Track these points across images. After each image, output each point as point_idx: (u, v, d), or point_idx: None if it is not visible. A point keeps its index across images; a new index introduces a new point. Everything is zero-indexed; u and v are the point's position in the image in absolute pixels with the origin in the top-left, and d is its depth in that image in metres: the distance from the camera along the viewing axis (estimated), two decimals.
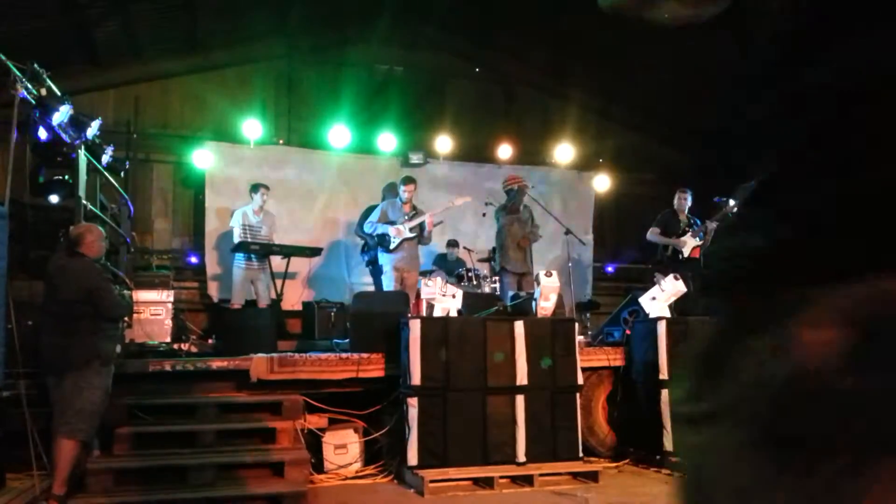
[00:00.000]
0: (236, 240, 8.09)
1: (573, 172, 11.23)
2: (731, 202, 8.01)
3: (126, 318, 5.80)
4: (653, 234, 7.99)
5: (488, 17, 10.54)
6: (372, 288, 8.69)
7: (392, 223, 7.59)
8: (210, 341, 7.25)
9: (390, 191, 8.28)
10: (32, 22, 7.76)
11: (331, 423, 5.63)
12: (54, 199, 5.65)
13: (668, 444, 5.64)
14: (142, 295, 6.58)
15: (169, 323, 6.67)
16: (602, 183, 11.36)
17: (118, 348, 4.96)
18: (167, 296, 6.76)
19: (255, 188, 8.25)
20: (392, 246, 7.52)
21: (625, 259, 11.40)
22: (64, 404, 4.33)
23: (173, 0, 8.43)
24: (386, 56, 10.78)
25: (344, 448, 5.57)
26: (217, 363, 5.47)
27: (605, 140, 11.75)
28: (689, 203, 8.03)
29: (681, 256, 7.80)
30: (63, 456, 4.31)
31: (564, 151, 11.07)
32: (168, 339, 6.54)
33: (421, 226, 7.63)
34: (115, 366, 4.73)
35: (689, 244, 7.82)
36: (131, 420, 5.02)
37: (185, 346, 6.60)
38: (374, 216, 7.68)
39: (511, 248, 7.59)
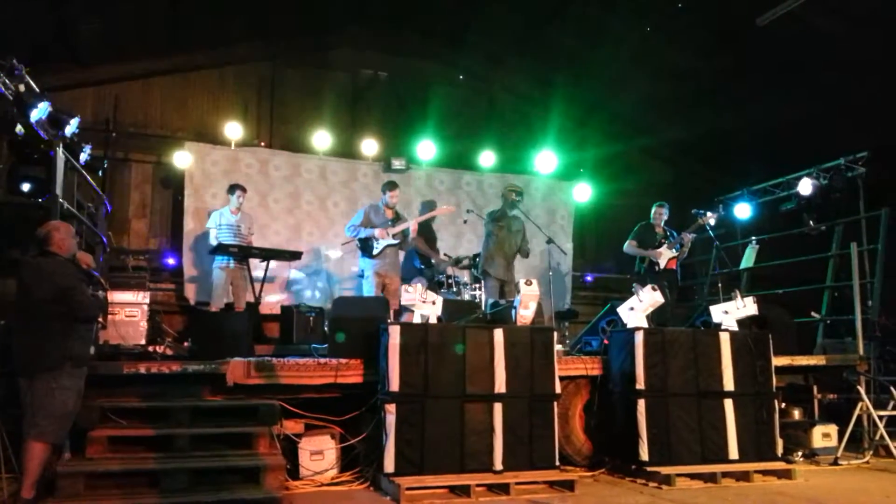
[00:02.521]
0: (212, 241, 8.03)
1: (554, 181, 11.29)
2: (709, 214, 8.13)
3: (100, 319, 5.71)
4: (629, 247, 8.10)
5: (472, 25, 10.59)
6: (349, 293, 8.69)
7: (375, 228, 7.58)
8: (186, 344, 7.15)
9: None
10: (12, 17, 7.65)
11: (307, 429, 5.58)
12: (26, 186, 5.55)
13: (644, 453, 5.68)
14: (117, 296, 6.48)
15: (144, 325, 6.57)
16: (582, 192, 11.43)
17: (91, 350, 4.88)
18: (143, 297, 6.66)
19: (231, 189, 8.22)
20: (375, 251, 7.50)
21: (604, 269, 11.48)
22: (35, 406, 4.25)
23: (156, 0, 8.37)
24: (370, 61, 10.80)
25: (320, 454, 5.52)
26: (193, 366, 5.39)
27: (585, 150, 11.84)
28: (666, 217, 8.15)
29: (657, 268, 7.89)
30: (32, 459, 4.24)
31: (546, 160, 11.12)
32: (143, 342, 6.44)
33: (404, 232, 7.62)
34: (89, 367, 4.65)
35: (666, 255, 7.92)
36: (104, 423, 4.94)
37: (160, 349, 6.51)
38: (357, 220, 7.65)
39: (497, 254, 7.62)
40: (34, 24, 7.99)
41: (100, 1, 7.97)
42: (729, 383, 6.04)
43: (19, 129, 5.53)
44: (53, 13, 7.82)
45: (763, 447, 6.04)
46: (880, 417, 6.80)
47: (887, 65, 8.20)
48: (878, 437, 6.83)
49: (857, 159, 8.76)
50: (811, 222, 9.31)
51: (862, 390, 6.85)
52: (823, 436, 6.77)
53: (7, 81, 5.27)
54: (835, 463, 6.55)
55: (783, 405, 6.75)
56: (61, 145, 5.77)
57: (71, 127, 5.93)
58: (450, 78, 11.41)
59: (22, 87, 5.38)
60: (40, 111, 5.39)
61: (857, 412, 6.78)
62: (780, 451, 6.18)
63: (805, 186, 9.26)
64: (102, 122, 9.35)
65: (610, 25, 9.61)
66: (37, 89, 5.54)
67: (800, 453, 6.69)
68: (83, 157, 6.60)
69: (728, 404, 5.99)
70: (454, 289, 8.44)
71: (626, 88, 11.05)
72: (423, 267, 8.53)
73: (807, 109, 9.47)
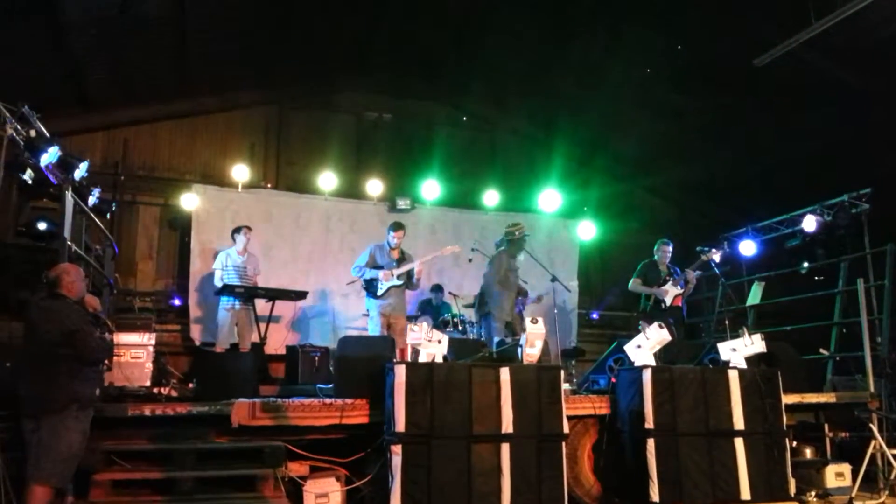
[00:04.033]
0: (218, 282, 8.05)
1: (558, 220, 11.35)
2: (714, 251, 8.14)
3: (106, 362, 5.70)
4: (634, 285, 8.09)
5: (475, 68, 10.79)
6: (355, 332, 8.65)
7: (380, 268, 7.60)
8: (191, 385, 7.12)
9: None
10: (25, 65, 7.83)
11: (312, 471, 5.51)
12: (42, 226, 5.60)
13: (655, 494, 5.57)
14: (123, 337, 6.47)
15: (149, 366, 6.55)
16: (586, 230, 11.47)
17: (97, 392, 4.87)
18: (148, 338, 6.65)
19: (237, 230, 8.28)
20: (379, 292, 7.51)
21: (607, 303, 11.45)
22: (39, 449, 4.22)
23: (165, 48, 8.55)
24: (374, 104, 10.98)
25: (325, 497, 5.44)
26: (198, 408, 5.35)
27: (589, 189, 11.93)
28: (670, 254, 8.14)
29: (663, 305, 7.87)
30: (35, 503, 4.19)
31: (549, 199, 11.20)
32: (148, 383, 6.41)
33: (409, 273, 7.63)
34: (94, 410, 4.63)
35: (671, 293, 7.90)
36: (108, 466, 4.90)
37: (165, 391, 6.48)
38: (362, 260, 7.68)
39: (505, 296, 7.52)
40: (46, 71, 8.17)
41: (109, 48, 8.14)
42: (739, 422, 5.95)
43: (29, 173, 5.62)
44: (64, 60, 7.99)
45: (775, 487, 5.92)
46: (894, 456, 6.68)
47: (887, 100, 8.28)
48: (892, 477, 6.69)
49: (860, 195, 8.79)
50: (820, 256, 9.30)
51: (874, 428, 6.74)
52: (837, 475, 6.64)
53: (18, 127, 5.37)
54: (849, 503, 6.42)
55: (794, 444, 6.64)
56: (70, 189, 5.85)
57: (80, 171, 6.03)
58: (453, 119, 11.58)
59: (33, 133, 5.48)
60: (50, 156, 5.48)
61: (870, 451, 6.66)
62: (792, 491, 6.05)
63: (809, 223, 9.27)
64: (111, 166, 9.49)
65: (610, 68, 9.76)
66: (47, 134, 5.64)
67: (813, 493, 6.55)
68: (92, 200, 6.70)
69: (738, 443, 5.90)
70: (460, 328, 8.42)
71: (628, 128, 11.17)
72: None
73: (809, 146, 9.55)
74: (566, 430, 5.60)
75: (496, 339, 7.01)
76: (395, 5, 8.96)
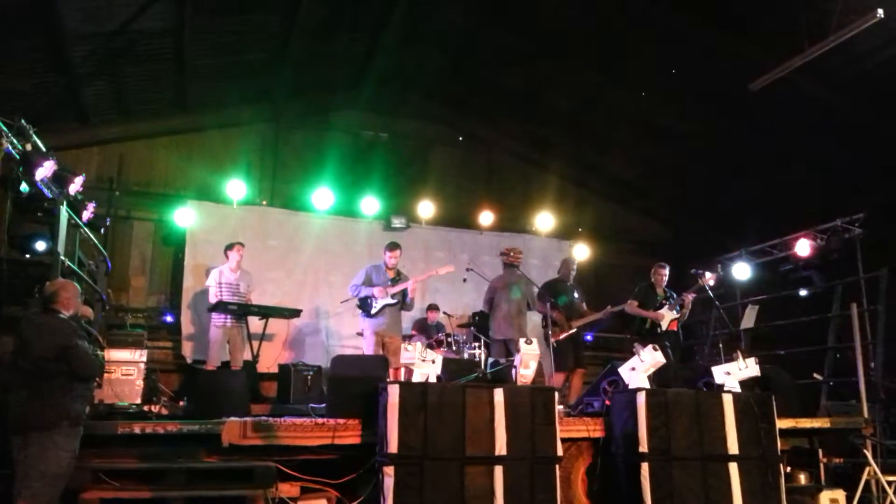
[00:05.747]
0: (212, 298, 8.01)
1: (553, 240, 11.36)
2: (709, 275, 8.14)
3: (96, 378, 5.64)
4: (631, 307, 8.07)
5: (471, 89, 10.86)
6: (348, 351, 8.61)
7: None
8: (182, 403, 7.06)
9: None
10: (23, 80, 7.84)
11: (303, 492, 5.44)
12: (42, 245, 5.56)
13: None
14: (114, 354, 6.41)
15: (140, 383, 6.49)
16: (581, 252, 11.48)
17: (87, 409, 4.81)
18: (140, 355, 6.59)
19: (230, 246, 8.24)
20: (373, 310, 7.49)
21: (602, 325, 11.42)
22: (27, 466, 4.16)
23: (163, 64, 8.58)
24: (371, 123, 11.03)
25: None
26: (188, 426, 5.30)
27: (584, 210, 11.98)
28: (666, 277, 8.13)
29: (659, 329, 7.85)
30: None
31: (544, 220, 11.23)
32: (138, 401, 6.35)
33: (403, 293, 7.62)
34: (84, 427, 4.58)
35: (667, 317, 7.88)
36: (97, 484, 4.82)
37: (155, 408, 6.42)
38: (358, 279, 7.67)
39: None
40: (43, 86, 8.18)
41: (108, 63, 8.16)
42: (733, 446, 5.92)
43: (24, 186, 5.60)
44: (62, 75, 8.01)
45: None
46: (889, 483, 6.66)
47: (879, 126, 8.36)
48: None
49: (853, 220, 8.83)
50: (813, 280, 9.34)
51: (868, 454, 6.72)
52: (831, 501, 6.59)
53: (14, 141, 5.36)
54: None
55: (788, 469, 6.60)
56: (65, 203, 5.83)
57: (75, 185, 6.02)
58: (449, 139, 11.63)
59: (29, 147, 5.47)
60: (45, 170, 5.47)
61: (864, 477, 6.63)
62: None
63: (802, 247, 9.30)
64: (106, 181, 9.46)
65: (605, 90, 9.85)
66: (43, 148, 5.63)
67: None
68: (86, 214, 6.67)
69: (733, 468, 5.86)
70: (453, 347, 8.39)
71: (623, 150, 11.24)
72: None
73: (803, 170, 9.61)
74: (560, 452, 5.55)
75: (490, 360, 7.00)
76: (394, 26, 9.02)
